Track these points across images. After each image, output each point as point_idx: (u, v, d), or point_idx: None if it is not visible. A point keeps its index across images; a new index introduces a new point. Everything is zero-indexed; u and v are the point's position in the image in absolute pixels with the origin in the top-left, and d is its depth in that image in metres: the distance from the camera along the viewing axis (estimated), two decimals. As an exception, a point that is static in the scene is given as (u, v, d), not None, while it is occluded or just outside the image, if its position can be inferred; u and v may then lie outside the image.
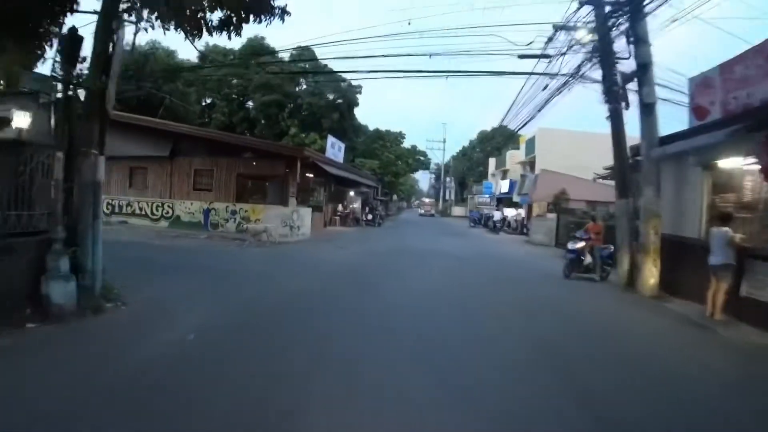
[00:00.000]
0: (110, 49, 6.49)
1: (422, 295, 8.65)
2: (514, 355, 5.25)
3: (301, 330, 5.82)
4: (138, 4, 6.66)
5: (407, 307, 7.55)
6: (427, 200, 71.47)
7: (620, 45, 10.55)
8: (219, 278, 9.14)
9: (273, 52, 28.69)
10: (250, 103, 38.40)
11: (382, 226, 30.30)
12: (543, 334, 6.21)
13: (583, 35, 11.54)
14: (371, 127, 46.69)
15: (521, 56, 12.83)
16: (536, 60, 13.15)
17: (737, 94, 8.24)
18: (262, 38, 38.94)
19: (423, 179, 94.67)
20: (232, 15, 6.79)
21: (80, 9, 6.58)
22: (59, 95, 6.59)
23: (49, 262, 5.76)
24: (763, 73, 7.67)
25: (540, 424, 3.55)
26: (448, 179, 75.97)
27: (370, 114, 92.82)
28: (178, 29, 6.90)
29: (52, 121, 6.50)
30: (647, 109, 10.04)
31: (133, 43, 7.20)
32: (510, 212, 32.75)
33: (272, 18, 6.79)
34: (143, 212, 19.08)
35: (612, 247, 11.31)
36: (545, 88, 13.79)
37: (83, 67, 6.58)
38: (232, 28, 6.90)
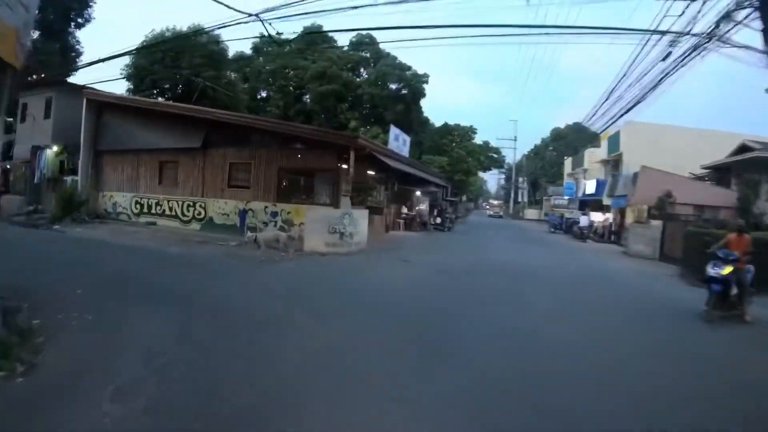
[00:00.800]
0: None
1: (539, 360, 4.54)
2: None
3: None
4: None
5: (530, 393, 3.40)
6: (495, 201, 69.14)
7: None
8: (201, 318, 5.49)
9: (330, 30, 25.17)
10: (307, 98, 35.69)
11: (452, 231, 26.03)
12: None
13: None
14: (436, 125, 42.47)
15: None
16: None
17: None
18: (320, 26, 36.09)
19: (491, 180, 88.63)
20: None
21: None
22: None
23: None
24: None
25: None
26: (520, 179, 70.28)
27: (434, 110, 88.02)
28: None
29: None
30: None
31: None
32: (596, 217, 27.87)
33: None
34: (173, 212, 16.26)
35: (752, 268, 7.99)
36: (666, 57, 9.86)
37: None
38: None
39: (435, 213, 26.75)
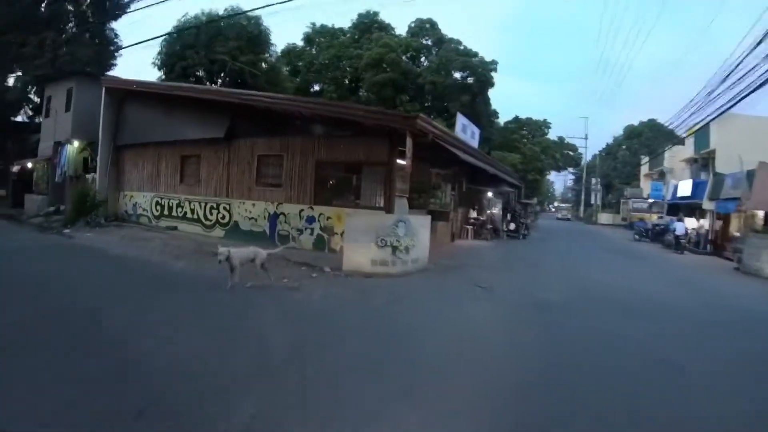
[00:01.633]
0: None
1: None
2: None
3: None
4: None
5: None
6: (563, 205, 67.53)
7: None
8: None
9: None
10: (363, 92, 32.66)
11: (527, 239, 21.79)
12: None
13: None
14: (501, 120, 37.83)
15: None
16: None
17: None
18: (375, 13, 33.00)
19: (557, 180, 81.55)
20: None
21: None
22: None
23: None
24: None
25: None
26: (593, 180, 63.55)
27: (497, 104, 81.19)
28: None
29: None
30: None
31: None
32: (689, 223, 22.81)
33: None
34: (195, 215, 13.57)
35: None
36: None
37: None
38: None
39: (508, 218, 22.63)
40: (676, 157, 33.10)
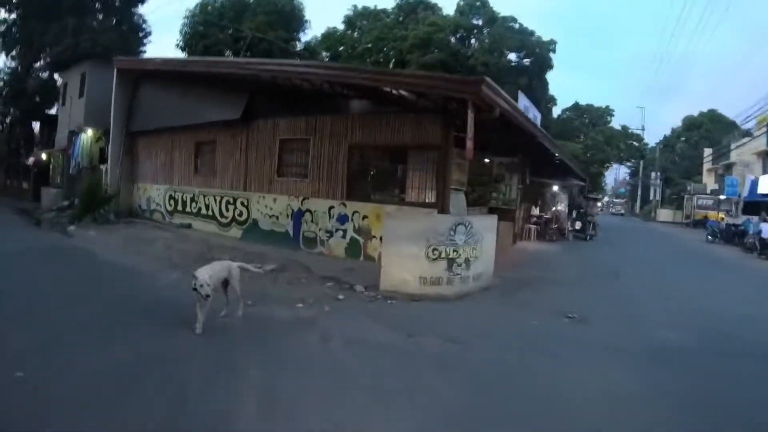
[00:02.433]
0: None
1: None
2: None
3: None
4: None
5: None
6: (617, 200, 68.02)
7: None
8: None
9: None
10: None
11: (593, 240, 18.66)
12: None
13: None
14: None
15: None
16: None
17: None
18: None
19: (608, 174, 76.58)
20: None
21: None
22: None
23: None
24: None
25: None
26: (653, 175, 58.14)
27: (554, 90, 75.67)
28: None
29: None
30: None
31: None
32: None
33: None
34: (210, 212, 11.57)
35: None
36: None
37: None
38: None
39: (573, 215, 19.50)
40: (743, 150, 29.80)
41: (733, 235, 21.19)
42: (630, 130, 38.94)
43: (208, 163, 11.78)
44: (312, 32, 26.13)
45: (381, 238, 8.58)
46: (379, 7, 31.99)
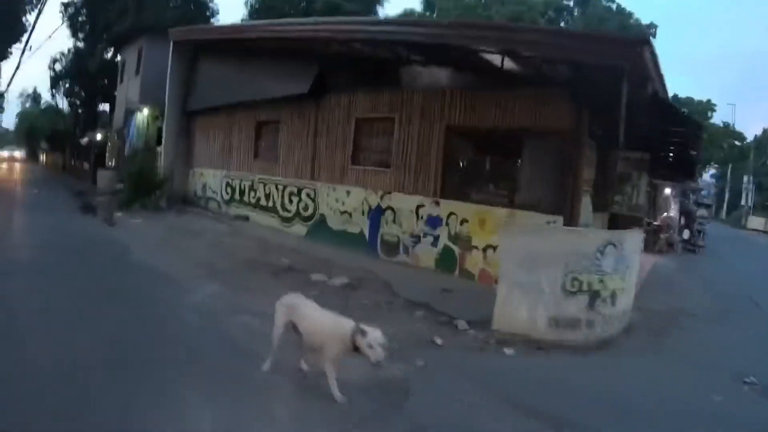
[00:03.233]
0: None
1: None
2: None
3: None
4: None
5: None
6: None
7: None
8: None
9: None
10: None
11: (701, 252, 15.72)
12: None
13: None
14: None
15: None
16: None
17: None
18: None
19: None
20: None
21: None
22: None
23: None
24: None
25: None
26: (745, 179, 52.14)
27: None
28: None
29: None
30: None
31: None
32: None
33: None
34: (271, 203, 9.97)
35: None
36: None
37: None
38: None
39: (682, 222, 16.53)
40: None
41: None
42: (731, 127, 34.49)
43: (269, 147, 10.18)
44: (388, 12, 24.34)
45: (484, 250, 6.64)
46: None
